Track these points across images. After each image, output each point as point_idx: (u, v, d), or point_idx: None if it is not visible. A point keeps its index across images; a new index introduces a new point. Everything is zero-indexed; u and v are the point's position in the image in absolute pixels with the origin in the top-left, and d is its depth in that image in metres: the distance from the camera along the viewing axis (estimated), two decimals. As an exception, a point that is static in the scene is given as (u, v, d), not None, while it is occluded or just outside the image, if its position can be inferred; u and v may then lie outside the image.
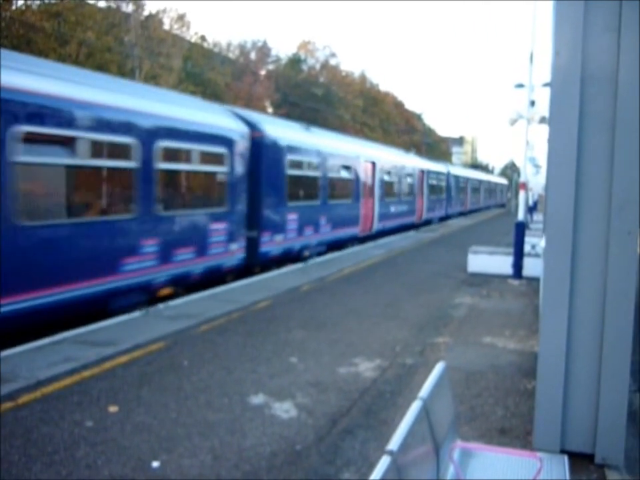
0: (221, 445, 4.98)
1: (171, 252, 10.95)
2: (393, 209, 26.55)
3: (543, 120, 25.11)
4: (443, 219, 37.44)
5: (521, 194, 16.38)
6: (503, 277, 14.19)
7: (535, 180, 38.38)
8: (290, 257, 16.17)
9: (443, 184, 37.84)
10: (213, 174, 12.59)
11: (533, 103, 19.17)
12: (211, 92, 39.20)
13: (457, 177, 42.55)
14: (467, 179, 48.14)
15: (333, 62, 67.04)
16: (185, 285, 11.60)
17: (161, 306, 10.24)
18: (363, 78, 73.97)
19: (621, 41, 4.59)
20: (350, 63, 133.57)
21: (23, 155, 7.94)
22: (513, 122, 41.06)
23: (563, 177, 4.77)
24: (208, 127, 12.25)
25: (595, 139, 4.70)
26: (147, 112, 10.40)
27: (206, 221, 12.13)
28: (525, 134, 17.38)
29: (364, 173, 22.61)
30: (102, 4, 36.14)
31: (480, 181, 56.03)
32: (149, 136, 10.27)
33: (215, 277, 12.57)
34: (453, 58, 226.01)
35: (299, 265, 15.68)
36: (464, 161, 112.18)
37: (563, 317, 4.80)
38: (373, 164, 23.66)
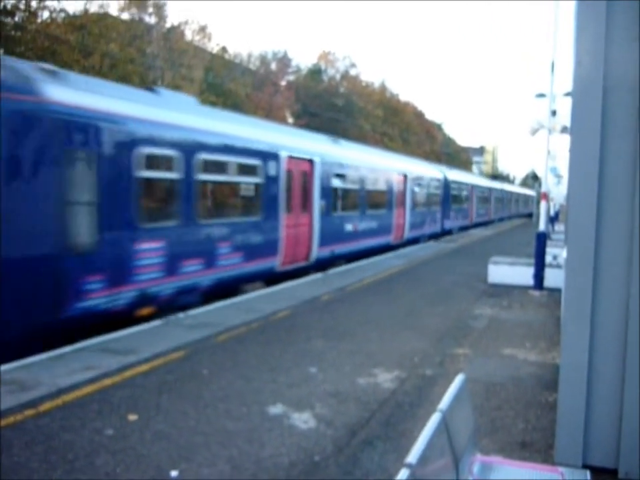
0: (239, 455, 4.98)
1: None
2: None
3: (564, 129, 24.93)
4: (466, 228, 37.93)
5: (542, 204, 16.23)
6: (523, 288, 14.05)
7: (557, 190, 38.11)
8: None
9: (465, 193, 38.64)
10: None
11: (554, 113, 19.03)
12: (231, 103, 39.45)
13: (479, 188, 43.83)
14: (490, 189, 49.42)
15: (353, 72, 67.25)
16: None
17: (180, 315, 10.29)
18: (383, 88, 74.02)
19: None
20: (370, 73, 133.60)
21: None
22: (534, 132, 40.80)
23: (584, 186, 4.73)
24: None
25: (618, 148, 4.66)
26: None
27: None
28: (547, 144, 17.25)
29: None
30: (125, 16, 36.65)
31: (502, 191, 57.51)
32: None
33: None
34: (473, 68, 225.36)
35: (319, 275, 15.68)
36: (485, 170, 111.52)
37: (585, 329, 4.74)
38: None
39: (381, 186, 22.03)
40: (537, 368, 7.72)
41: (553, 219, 33.15)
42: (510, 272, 14.90)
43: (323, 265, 16.95)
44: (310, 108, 53.58)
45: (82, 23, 32.35)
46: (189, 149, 11.19)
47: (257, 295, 12.58)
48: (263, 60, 57.55)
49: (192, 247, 11.28)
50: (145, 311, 10.15)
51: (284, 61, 58.93)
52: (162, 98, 11.77)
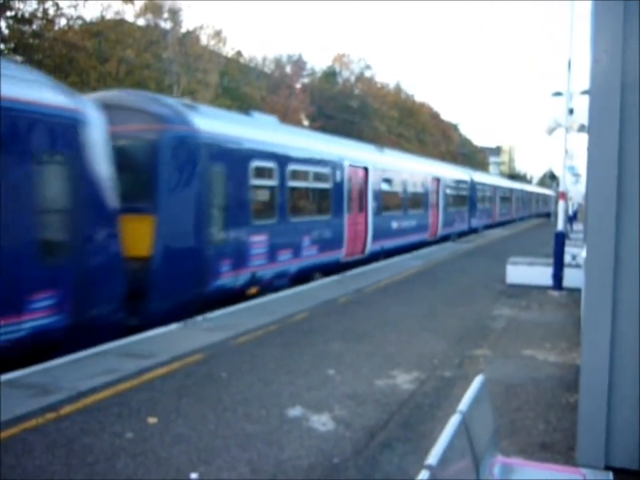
0: (258, 457, 4.99)
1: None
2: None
3: (582, 128, 24.69)
4: (490, 226, 40.51)
5: (560, 203, 16.10)
6: (542, 288, 13.94)
7: (575, 189, 37.83)
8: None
9: (489, 194, 41.34)
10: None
11: (571, 111, 18.86)
12: (247, 106, 39.61)
13: (501, 188, 46.57)
14: (511, 190, 52.09)
15: (367, 74, 67.20)
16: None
17: (199, 318, 10.34)
18: (398, 89, 73.88)
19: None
20: (385, 75, 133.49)
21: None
22: (551, 131, 40.49)
23: (603, 185, 4.68)
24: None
25: (636, 146, 4.60)
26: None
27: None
28: (564, 143, 17.10)
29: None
30: (141, 22, 36.94)
31: (522, 191, 60.30)
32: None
33: None
34: (489, 67, 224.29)
35: (336, 277, 15.69)
36: (502, 170, 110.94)
37: (606, 329, 4.68)
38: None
39: (419, 189, 24.88)
40: (557, 369, 7.65)
41: (571, 219, 32.90)
42: (528, 272, 14.79)
43: (375, 257, 19.64)
44: (325, 110, 53.64)
45: (98, 30, 32.68)
46: (282, 161, 13.85)
47: (275, 297, 12.60)
48: (278, 63, 57.73)
49: (285, 240, 14.02)
50: (253, 290, 12.80)
51: (299, 63, 59.06)
52: (255, 120, 14.72)
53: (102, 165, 8.94)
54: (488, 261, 19.82)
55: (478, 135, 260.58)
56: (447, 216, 29.08)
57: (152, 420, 5.74)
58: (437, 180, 27.46)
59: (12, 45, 28.70)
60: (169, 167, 10.60)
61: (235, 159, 12.09)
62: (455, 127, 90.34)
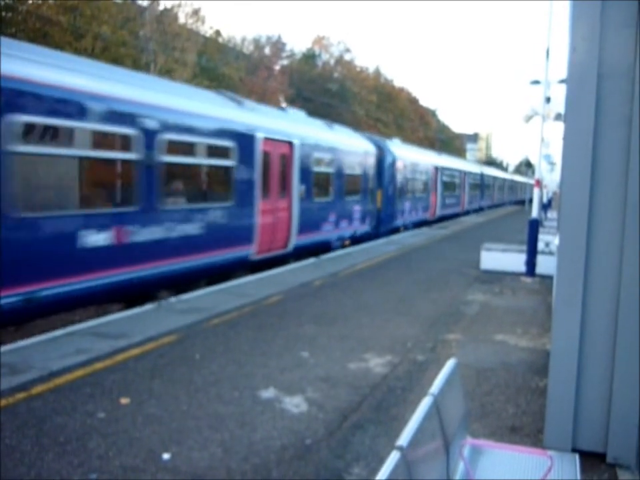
0: (231, 438, 5.00)
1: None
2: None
3: (558, 117, 24.96)
4: (479, 210, 46.20)
5: (535, 191, 16.27)
6: (516, 275, 14.12)
7: (550, 177, 38.26)
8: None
9: (478, 182, 47.07)
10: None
11: (548, 100, 19.04)
12: (225, 87, 39.21)
13: (488, 177, 52.79)
14: (494, 178, 57.75)
15: (347, 57, 66.93)
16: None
17: (172, 299, 10.28)
18: (377, 73, 73.73)
19: (638, 37, 4.54)
20: (364, 59, 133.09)
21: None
22: (528, 119, 40.92)
23: (578, 174, 4.73)
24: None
25: (611, 136, 4.66)
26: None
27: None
28: (540, 131, 17.26)
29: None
30: (118, -2, 36.22)
31: (504, 179, 67.30)
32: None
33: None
34: (467, 54, 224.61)
35: (312, 260, 15.69)
36: (478, 157, 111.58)
37: (576, 315, 4.76)
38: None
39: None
40: (528, 354, 7.77)
41: (545, 206, 33.22)
42: (502, 258, 14.94)
43: (439, 219, 30.53)
44: (304, 93, 53.30)
45: (73, 5, 31.92)
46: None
47: (249, 279, 12.58)
48: (257, 44, 57.16)
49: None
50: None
51: (278, 45, 58.56)
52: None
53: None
54: (462, 246, 19.98)
55: (456, 122, 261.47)
56: (444, 199, 32.97)
57: (124, 400, 5.71)
58: (435, 169, 31.11)
59: (-16, 18, 27.98)
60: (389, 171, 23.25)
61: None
62: (433, 113, 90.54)
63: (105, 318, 8.93)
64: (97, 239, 8.94)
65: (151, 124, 10.05)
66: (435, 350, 7.81)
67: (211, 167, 12.22)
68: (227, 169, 12.50)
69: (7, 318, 7.85)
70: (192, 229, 11.23)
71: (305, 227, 15.96)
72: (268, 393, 6.05)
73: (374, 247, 19.52)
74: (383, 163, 23.22)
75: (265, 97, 43.69)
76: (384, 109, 68.66)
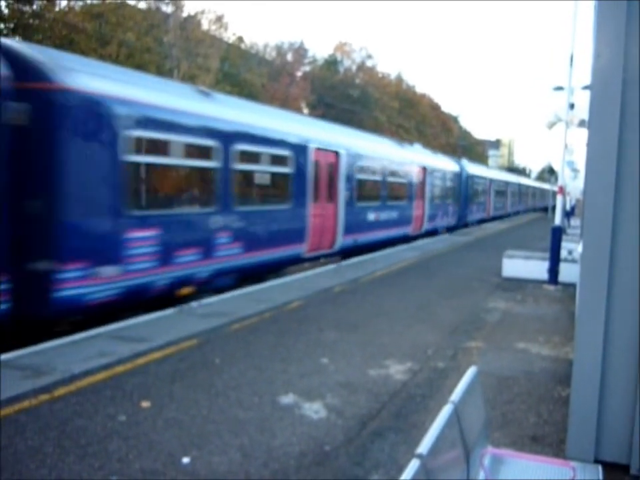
0: (250, 443, 5.01)
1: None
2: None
3: (582, 123, 24.67)
4: (506, 216, 48.03)
5: (558, 198, 16.10)
6: (538, 282, 13.98)
7: (573, 184, 37.87)
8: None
9: (504, 189, 47.92)
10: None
11: (572, 106, 18.85)
12: (247, 93, 39.44)
13: (513, 184, 53.75)
14: (519, 185, 58.36)
15: (369, 63, 66.94)
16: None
17: (194, 304, 10.34)
18: (399, 79, 73.64)
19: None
20: (386, 65, 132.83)
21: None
22: (551, 125, 40.55)
23: (601, 181, 4.68)
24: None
25: (636, 142, 4.60)
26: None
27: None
28: (564, 137, 17.09)
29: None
30: (142, 5, 36.67)
31: (528, 187, 68.05)
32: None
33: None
34: (490, 60, 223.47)
35: (332, 266, 15.69)
36: (500, 164, 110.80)
37: (600, 324, 4.70)
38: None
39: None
40: (550, 362, 7.68)
41: (568, 214, 32.88)
42: (524, 266, 14.81)
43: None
44: (326, 99, 53.45)
45: (99, 12, 32.43)
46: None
47: (270, 285, 12.61)
48: (279, 50, 57.40)
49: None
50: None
51: (300, 51, 58.72)
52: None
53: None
54: (484, 253, 19.84)
55: (478, 128, 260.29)
56: (469, 206, 34.40)
57: (145, 404, 5.75)
58: (466, 177, 32.62)
59: (11, 25, 28.51)
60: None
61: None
62: (455, 119, 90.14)
63: (127, 322, 9.00)
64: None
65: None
66: (455, 357, 7.75)
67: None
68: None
69: None
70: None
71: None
72: (288, 399, 6.05)
73: (394, 253, 19.45)
74: (460, 178, 32.06)
75: (287, 103, 43.84)
76: (405, 115, 68.55)
